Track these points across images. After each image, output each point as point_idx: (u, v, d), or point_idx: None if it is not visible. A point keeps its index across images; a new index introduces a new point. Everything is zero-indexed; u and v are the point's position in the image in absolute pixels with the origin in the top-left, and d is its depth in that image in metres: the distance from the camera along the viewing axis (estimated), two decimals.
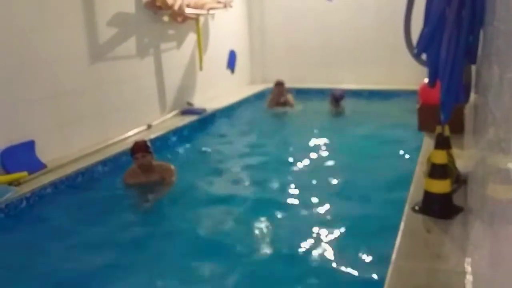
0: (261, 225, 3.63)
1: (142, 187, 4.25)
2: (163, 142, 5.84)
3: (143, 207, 4.01)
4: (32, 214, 3.97)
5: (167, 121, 6.57)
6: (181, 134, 6.25)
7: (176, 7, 6.45)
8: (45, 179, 4.32)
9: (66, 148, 4.97)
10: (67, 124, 5.04)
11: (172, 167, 4.36)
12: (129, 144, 5.36)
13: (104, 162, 4.92)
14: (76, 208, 4.12)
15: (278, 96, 7.59)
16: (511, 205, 1.21)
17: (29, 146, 4.54)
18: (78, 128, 5.18)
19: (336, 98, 7.36)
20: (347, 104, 7.74)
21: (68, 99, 5.03)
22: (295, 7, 9.10)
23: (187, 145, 6.02)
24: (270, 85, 8.17)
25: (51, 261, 3.25)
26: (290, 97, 7.71)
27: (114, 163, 5.02)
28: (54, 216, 3.97)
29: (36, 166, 4.48)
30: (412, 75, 6.86)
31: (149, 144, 4.24)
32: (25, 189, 4.10)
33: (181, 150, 5.86)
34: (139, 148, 4.15)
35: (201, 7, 7.12)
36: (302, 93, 8.40)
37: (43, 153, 4.63)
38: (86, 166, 4.70)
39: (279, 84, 7.62)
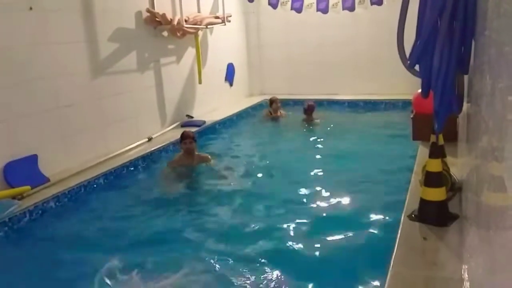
0: (252, 228, 3.81)
1: (184, 168, 5.26)
2: (164, 154, 5.90)
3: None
4: (35, 227, 4.00)
5: (167, 133, 6.63)
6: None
7: (175, 22, 6.55)
8: (48, 192, 4.37)
9: (68, 162, 5.02)
10: (69, 138, 5.10)
11: (210, 157, 5.44)
12: (131, 156, 5.48)
13: (105, 175, 4.96)
14: (79, 220, 4.16)
15: (274, 111, 7.98)
16: (506, 212, 1.25)
17: (32, 160, 4.59)
18: (80, 142, 5.24)
19: (305, 109, 7.58)
20: (345, 115, 7.87)
21: (70, 113, 5.10)
22: (292, 21, 9.21)
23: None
24: (268, 97, 8.36)
25: (53, 274, 3.28)
26: (282, 111, 8.16)
27: (115, 176, 5.07)
28: (57, 229, 4.00)
29: (39, 179, 4.52)
30: (406, 86, 6.93)
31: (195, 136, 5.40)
32: (28, 202, 4.14)
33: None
34: (188, 136, 5.24)
35: (199, 22, 7.22)
36: (299, 105, 8.48)
37: (46, 167, 4.68)
38: (88, 179, 4.75)
39: (275, 101, 8.01)
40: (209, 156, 5.47)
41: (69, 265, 3.37)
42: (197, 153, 5.34)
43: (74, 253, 3.54)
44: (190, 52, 7.49)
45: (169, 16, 6.53)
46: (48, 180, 4.58)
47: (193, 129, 6.76)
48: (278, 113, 8.02)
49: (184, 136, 5.25)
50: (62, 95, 5.00)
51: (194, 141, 5.25)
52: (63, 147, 5.03)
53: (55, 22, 4.90)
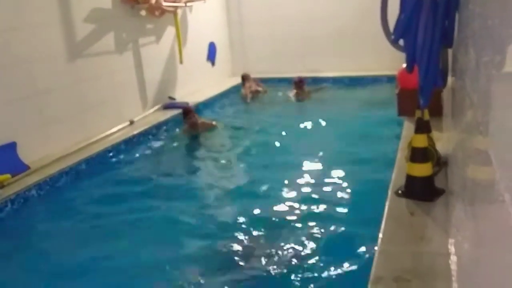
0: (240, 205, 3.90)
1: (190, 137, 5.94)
2: (146, 137, 5.82)
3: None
4: (17, 216, 3.93)
5: (149, 116, 6.53)
6: (164, 129, 6.23)
7: (153, 0, 6.38)
8: (29, 180, 4.28)
9: (48, 148, 4.91)
10: (48, 124, 4.98)
11: (214, 123, 6.08)
12: (112, 140, 5.39)
13: (87, 161, 4.87)
14: (62, 207, 4.09)
15: (249, 88, 7.94)
16: (491, 186, 1.24)
17: (11, 147, 4.47)
18: (59, 127, 5.12)
19: (295, 82, 7.69)
20: (328, 91, 7.88)
21: (48, 98, 4.96)
22: None
23: (170, 139, 6.02)
24: (252, 76, 8.27)
25: (37, 263, 3.23)
26: (259, 84, 8.14)
27: (98, 161, 4.98)
28: (40, 217, 3.94)
29: (19, 167, 4.42)
30: (392, 61, 6.92)
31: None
32: (9, 191, 4.05)
33: (164, 144, 5.85)
34: (190, 110, 5.88)
35: (178, 0, 7.06)
36: (284, 82, 8.44)
37: (26, 154, 4.57)
38: (70, 165, 4.66)
39: (247, 78, 8.03)
40: (213, 122, 6.04)
41: (52, 253, 3.33)
42: (200, 121, 5.90)
43: (58, 241, 3.49)
44: (170, 31, 7.33)
45: None
46: (28, 167, 4.48)
47: (176, 111, 6.70)
48: (254, 89, 7.93)
49: (186, 112, 5.84)
50: (39, 79, 4.86)
51: (196, 113, 5.88)
52: (43, 133, 4.91)
53: (29, 4, 4.72)
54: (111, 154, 5.22)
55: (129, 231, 3.60)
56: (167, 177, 4.73)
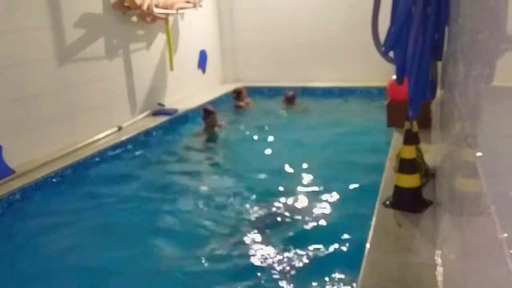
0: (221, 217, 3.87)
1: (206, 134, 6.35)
2: (134, 144, 5.77)
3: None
4: (1, 220, 3.86)
5: (138, 122, 6.48)
6: (153, 135, 6.19)
7: (144, 7, 6.37)
8: (13, 184, 4.21)
9: (34, 153, 4.85)
10: (35, 128, 4.92)
11: (223, 123, 6.57)
12: (99, 146, 5.34)
13: (73, 166, 4.82)
14: (46, 213, 4.03)
15: (241, 101, 7.95)
16: (478, 198, 1.25)
17: None
18: (46, 132, 5.06)
19: (288, 97, 7.75)
20: (320, 102, 7.91)
21: (35, 102, 4.90)
22: (265, 6, 9.11)
23: (159, 146, 5.98)
24: (242, 84, 8.28)
25: (20, 270, 3.18)
26: (249, 100, 8.07)
27: (84, 167, 4.93)
28: (24, 222, 3.87)
29: (4, 171, 4.36)
30: (382, 73, 6.96)
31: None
32: None
33: (152, 151, 5.82)
34: (211, 112, 6.38)
35: (170, 6, 7.05)
36: (274, 92, 8.45)
37: (11, 158, 4.50)
38: (55, 170, 4.60)
39: (240, 92, 8.00)
40: (223, 123, 6.50)
41: (36, 259, 3.27)
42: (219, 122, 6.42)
43: (42, 247, 3.44)
44: (161, 38, 7.32)
45: (138, 0, 6.34)
46: (13, 172, 4.42)
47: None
48: (244, 103, 7.94)
49: (210, 112, 6.31)
50: (27, 83, 4.80)
51: (215, 114, 6.38)
52: (29, 137, 4.85)
53: (19, 8, 4.68)
54: (97, 160, 5.16)
55: (115, 237, 3.56)
56: (156, 183, 4.69)
